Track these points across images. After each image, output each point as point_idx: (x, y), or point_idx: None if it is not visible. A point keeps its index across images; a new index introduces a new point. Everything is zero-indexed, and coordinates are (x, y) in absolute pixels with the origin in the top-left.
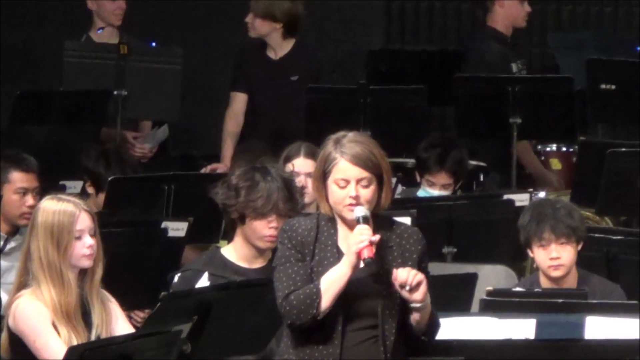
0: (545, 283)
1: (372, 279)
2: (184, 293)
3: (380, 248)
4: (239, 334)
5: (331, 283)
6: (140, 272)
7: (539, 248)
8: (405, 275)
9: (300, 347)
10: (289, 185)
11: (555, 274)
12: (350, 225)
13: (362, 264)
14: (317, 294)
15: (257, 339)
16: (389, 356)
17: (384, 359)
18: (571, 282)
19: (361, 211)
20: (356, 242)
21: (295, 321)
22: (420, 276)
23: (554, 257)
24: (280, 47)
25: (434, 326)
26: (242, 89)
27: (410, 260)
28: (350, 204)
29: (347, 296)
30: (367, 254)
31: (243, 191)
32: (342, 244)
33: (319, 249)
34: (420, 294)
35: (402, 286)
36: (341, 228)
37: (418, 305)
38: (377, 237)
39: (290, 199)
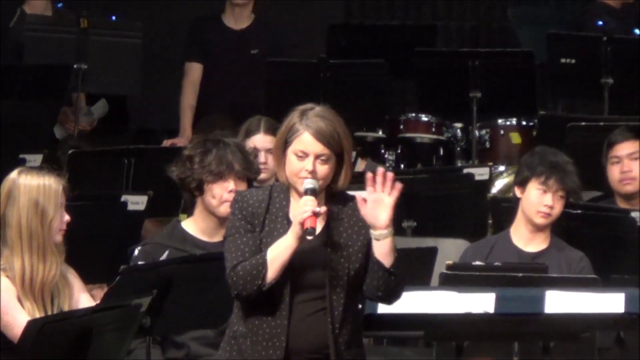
0: (517, 236)
1: (321, 251)
2: (144, 266)
3: (330, 220)
4: (199, 307)
5: (277, 254)
6: (100, 246)
7: (538, 190)
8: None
9: (249, 319)
10: (241, 149)
11: (541, 221)
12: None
13: (307, 235)
14: (263, 265)
15: (217, 313)
16: (337, 327)
17: (332, 330)
18: (542, 239)
19: (310, 183)
20: (300, 212)
21: (241, 292)
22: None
23: (549, 205)
24: (242, 19)
25: (399, 264)
26: (197, 59)
27: (364, 229)
28: (305, 177)
29: (295, 268)
30: (309, 224)
31: (197, 158)
32: (293, 215)
33: (269, 220)
34: (388, 217)
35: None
36: (294, 200)
37: (384, 231)
38: (320, 209)
39: (244, 159)
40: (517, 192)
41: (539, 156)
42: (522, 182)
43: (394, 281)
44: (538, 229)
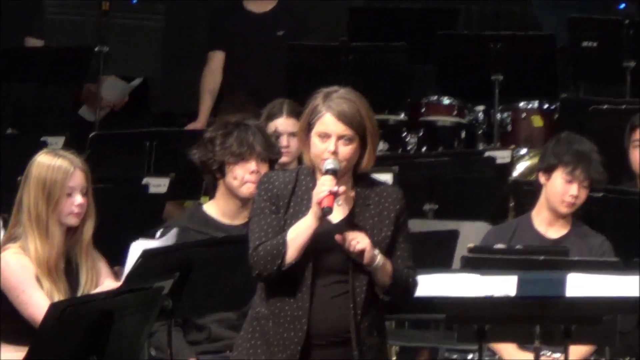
0: (538, 220)
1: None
2: (165, 249)
3: (357, 204)
4: (221, 290)
5: (297, 234)
6: (122, 229)
7: (562, 179)
8: (346, 241)
9: (271, 301)
10: (262, 130)
11: (566, 210)
12: None
13: (324, 214)
14: (284, 245)
15: (239, 296)
16: (359, 312)
17: (354, 315)
18: (564, 224)
19: (330, 164)
20: (317, 192)
21: (262, 272)
22: (362, 245)
23: (574, 195)
24: (265, 2)
25: (396, 287)
26: (220, 47)
27: (387, 219)
28: (328, 159)
29: (317, 250)
30: (325, 203)
31: (218, 140)
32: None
33: (295, 202)
34: (364, 259)
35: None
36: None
37: (366, 268)
38: (338, 189)
39: (265, 141)
40: (542, 178)
41: (566, 144)
42: (547, 170)
43: (388, 303)
44: (560, 215)
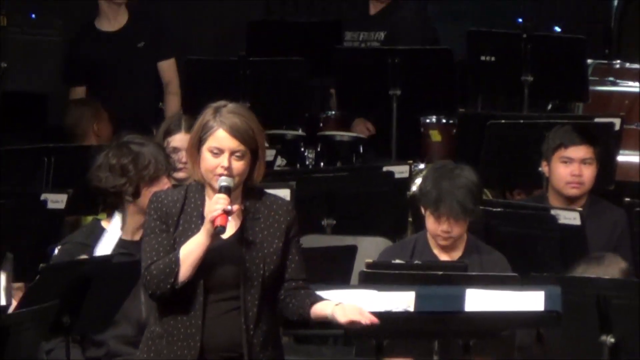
0: (433, 242)
1: (235, 249)
2: (64, 265)
3: (247, 218)
4: (119, 306)
5: (189, 252)
6: (20, 245)
7: (431, 218)
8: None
9: (164, 319)
10: (160, 145)
11: (444, 243)
12: None
13: (217, 233)
14: (176, 263)
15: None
16: (252, 327)
17: (245, 330)
18: (458, 244)
19: (224, 181)
20: (211, 210)
21: (155, 291)
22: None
23: (445, 231)
24: (118, 19)
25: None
26: (79, 82)
27: (278, 231)
28: (221, 174)
29: (208, 266)
30: (219, 222)
31: (130, 166)
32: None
33: (184, 220)
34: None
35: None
36: (209, 198)
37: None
38: (232, 207)
39: (166, 154)
40: (422, 209)
41: (430, 183)
42: (420, 203)
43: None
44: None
